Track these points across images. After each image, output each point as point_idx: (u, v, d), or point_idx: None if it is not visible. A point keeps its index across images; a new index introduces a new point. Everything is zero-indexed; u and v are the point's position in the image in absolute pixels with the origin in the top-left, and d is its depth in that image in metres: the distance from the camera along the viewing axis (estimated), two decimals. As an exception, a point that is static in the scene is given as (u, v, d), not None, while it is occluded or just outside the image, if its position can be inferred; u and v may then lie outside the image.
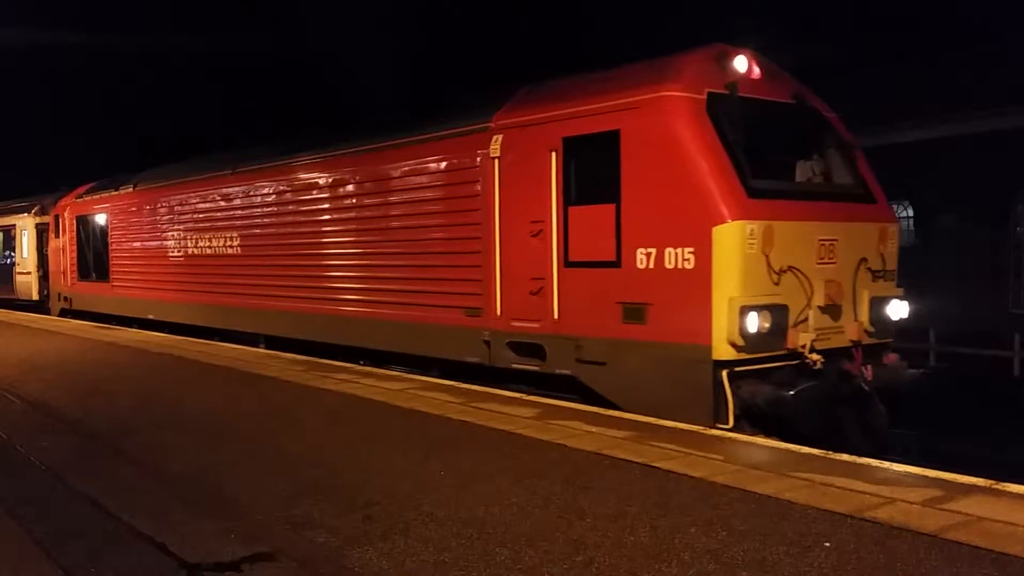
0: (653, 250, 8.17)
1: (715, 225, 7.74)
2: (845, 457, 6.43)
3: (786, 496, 5.43)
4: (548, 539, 4.78)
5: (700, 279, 7.83)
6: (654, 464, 6.27)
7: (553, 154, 9.10)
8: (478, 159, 10.04)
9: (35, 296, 27.25)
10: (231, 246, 15.35)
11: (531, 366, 9.40)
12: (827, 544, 4.60)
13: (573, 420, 7.90)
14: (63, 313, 23.46)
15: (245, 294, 14.93)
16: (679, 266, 7.98)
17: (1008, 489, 5.53)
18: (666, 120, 8.19)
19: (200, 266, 16.44)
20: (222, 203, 15.62)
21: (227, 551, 4.72)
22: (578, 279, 8.90)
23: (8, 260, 29.30)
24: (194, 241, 16.61)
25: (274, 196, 14.06)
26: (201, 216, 16.38)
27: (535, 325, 9.31)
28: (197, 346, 15.05)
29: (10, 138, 50.50)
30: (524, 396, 9.25)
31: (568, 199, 9.02)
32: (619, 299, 8.45)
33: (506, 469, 6.25)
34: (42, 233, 26.31)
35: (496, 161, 9.76)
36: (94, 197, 21.39)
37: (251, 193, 14.69)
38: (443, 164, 10.67)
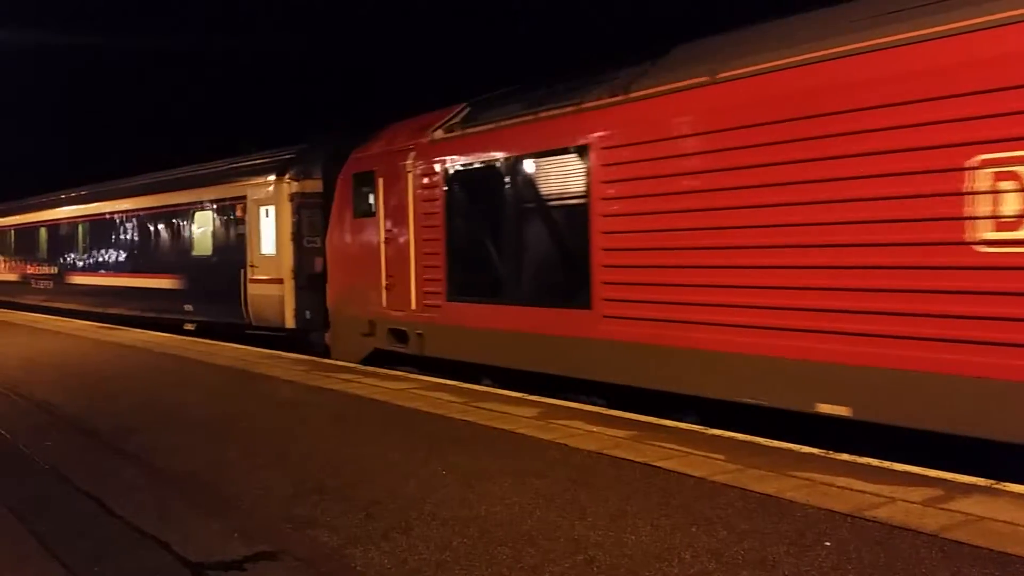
0: None
1: None
2: (845, 456, 6.44)
3: (786, 495, 5.45)
4: (549, 538, 4.80)
5: None
6: (655, 463, 6.29)
7: None
8: None
9: (290, 322, 14.78)
10: None
11: None
12: (827, 543, 4.62)
13: (574, 420, 7.91)
14: (377, 360, 12.18)
15: None
16: None
17: (1008, 489, 5.54)
18: None
19: None
20: None
21: (230, 550, 4.74)
22: None
23: (234, 258, 16.17)
24: None
25: None
26: None
27: None
28: (199, 346, 15.09)
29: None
30: (525, 396, 9.27)
31: None
32: None
33: (507, 468, 6.27)
34: (300, 209, 14.85)
35: None
36: (501, 126, 10.17)
37: None
38: None
